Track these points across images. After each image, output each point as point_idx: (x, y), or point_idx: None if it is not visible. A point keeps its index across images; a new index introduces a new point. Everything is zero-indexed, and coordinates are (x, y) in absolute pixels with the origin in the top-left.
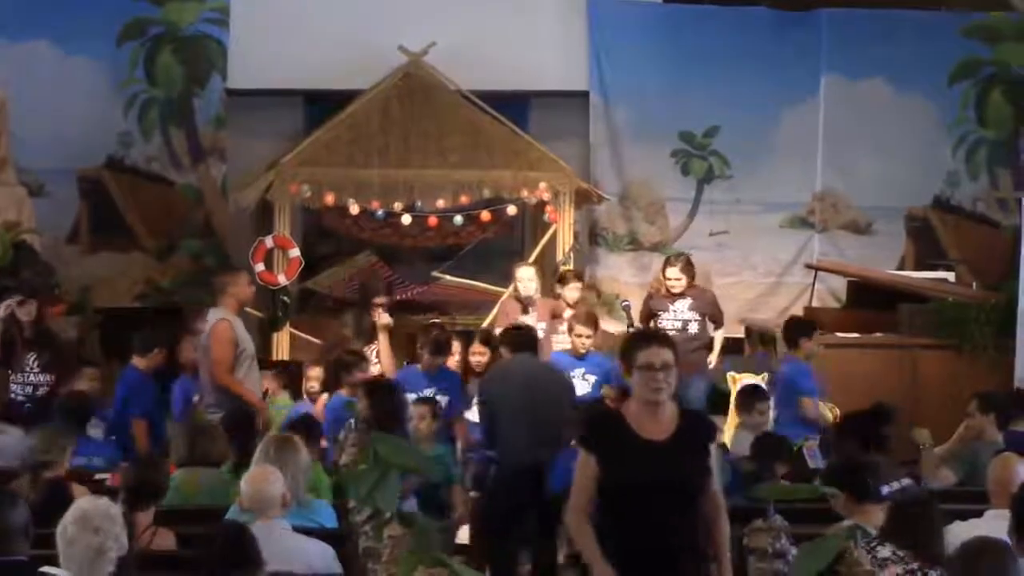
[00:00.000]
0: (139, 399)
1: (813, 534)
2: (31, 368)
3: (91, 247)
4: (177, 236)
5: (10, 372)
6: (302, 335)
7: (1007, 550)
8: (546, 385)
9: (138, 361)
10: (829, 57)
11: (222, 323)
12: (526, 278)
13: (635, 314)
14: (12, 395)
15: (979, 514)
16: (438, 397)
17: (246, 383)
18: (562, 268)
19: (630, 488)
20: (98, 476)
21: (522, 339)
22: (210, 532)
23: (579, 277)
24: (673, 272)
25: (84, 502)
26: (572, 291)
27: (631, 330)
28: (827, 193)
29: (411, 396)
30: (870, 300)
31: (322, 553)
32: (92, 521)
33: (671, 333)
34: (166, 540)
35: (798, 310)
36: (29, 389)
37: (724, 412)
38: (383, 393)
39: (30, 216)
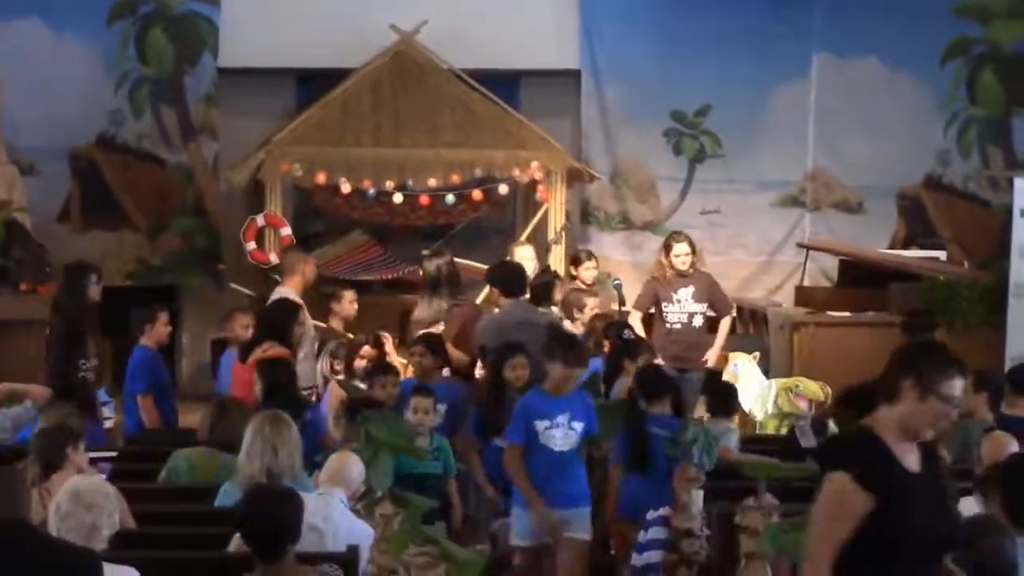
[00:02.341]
0: (141, 375)
1: (805, 512)
2: (94, 353)
3: (82, 226)
4: (168, 215)
5: (82, 360)
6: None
7: (1006, 527)
8: (536, 336)
9: (143, 339)
10: (821, 36)
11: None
12: (524, 258)
13: (627, 295)
14: (83, 377)
15: (968, 492)
16: (575, 424)
17: (303, 364)
18: (576, 249)
19: (918, 536)
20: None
21: (515, 279)
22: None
23: (591, 256)
24: (683, 248)
25: (77, 480)
26: (588, 270)
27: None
28: (819, 172)
29: (542, 424)
30: (861, 279)
31: (369, 534)
32: (85, 498)
33: (677, 327)
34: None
35: (790, 289)
36: (92, 373)
37: None
38: (274, 368)
39: (21, 195)
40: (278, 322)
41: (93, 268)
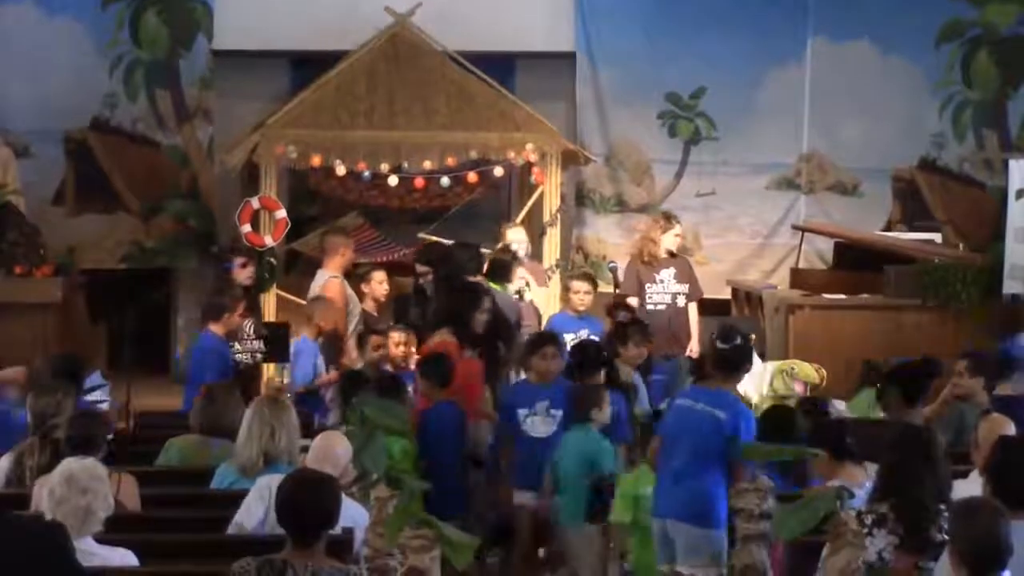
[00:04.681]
0: (207, 365)
1: (799, 495)
2: (248, 335)
3: (76, 208)
4: (162, 197)
5: (233, 343)
6: (289, 297)
7: (1001, 508)
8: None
9: (213, 327)
10: (815, 19)
11: (335, 280)
12: (516, 240)
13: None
14: (237, 364)
15: (964, 475)
16: None
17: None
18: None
19: None
20: None
21: (472, 260)
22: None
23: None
24: (679, 228)
25: (70, 463)
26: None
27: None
28: (813, 154)
29: None
30: (856, 261)
31: (363, 515)
32: (80, 482)
33: (661, 308)
34: (129, 488)
35: (785, 271)
36: (248, 356)
37: None
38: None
39: (15, 177)
40: (458, 309)
41: (237, 251)
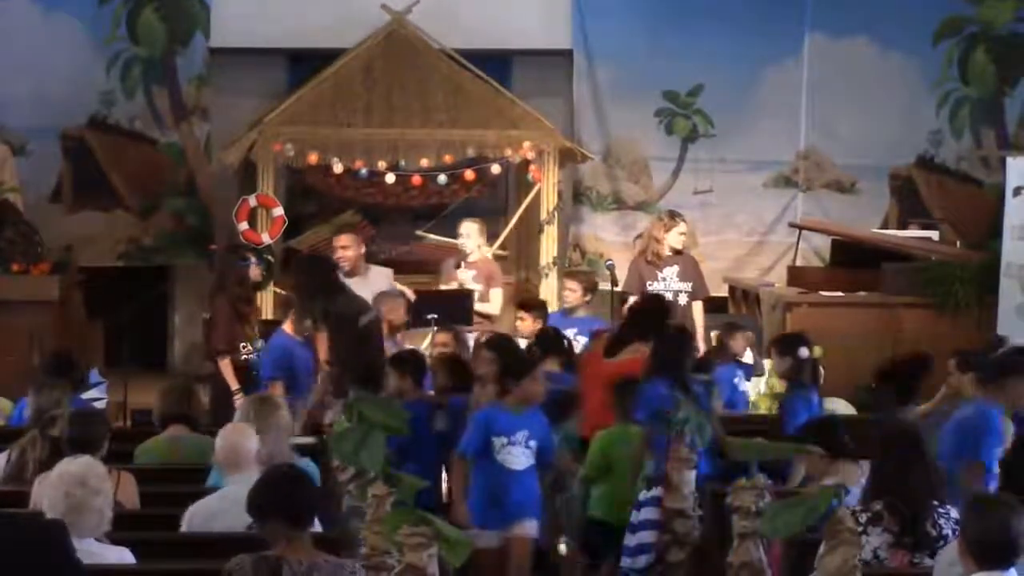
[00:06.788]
0: (272, 361)
1: (797, 492)
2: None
3: (74, 206)
4: (160, 195)
5: (244, 343)
6: (286, 294)
7: (1016, 504)
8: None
9: (285, 325)
10: (813, 15)
11: None
12: (464, 234)
13: (619, 276)
14: (244, 360)
15: None
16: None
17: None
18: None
19: None
20: None
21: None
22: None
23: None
24: (684, 227)
25: (69, 465)
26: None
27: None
28: (811, 152)
29: None
30: (854, 259)
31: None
32: (91, 483)
33: None
34: (128, 486)
35: (782, 269)
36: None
37: None
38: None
39: (12, 175)
40: (648, 320)
41: (250, 249)
